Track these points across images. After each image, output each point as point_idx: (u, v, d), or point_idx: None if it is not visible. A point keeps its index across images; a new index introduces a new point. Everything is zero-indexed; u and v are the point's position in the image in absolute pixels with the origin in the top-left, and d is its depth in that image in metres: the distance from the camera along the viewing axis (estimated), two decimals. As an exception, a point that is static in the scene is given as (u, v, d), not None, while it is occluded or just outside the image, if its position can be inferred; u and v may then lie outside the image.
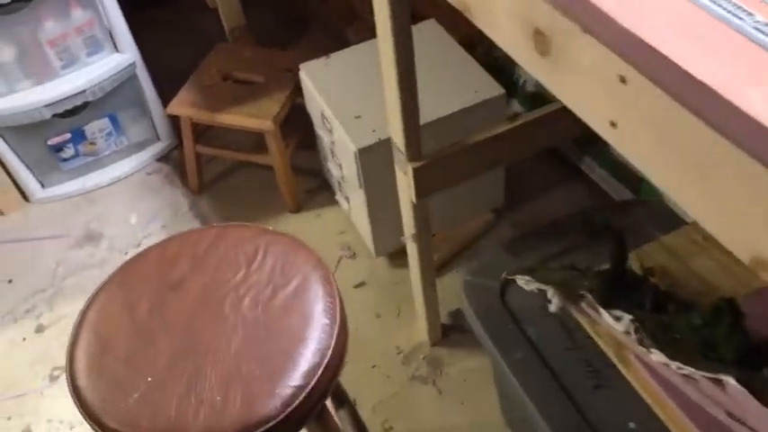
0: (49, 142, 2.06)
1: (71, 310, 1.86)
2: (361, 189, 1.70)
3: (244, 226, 0.96)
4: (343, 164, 1.77)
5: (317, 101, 1.77)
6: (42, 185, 2.16)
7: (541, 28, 0.64)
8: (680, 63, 0.49)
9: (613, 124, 0.60)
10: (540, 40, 0.65)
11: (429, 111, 1.59)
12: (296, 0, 2.70)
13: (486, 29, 0.75)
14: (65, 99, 1.96)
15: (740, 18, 0.52)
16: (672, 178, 0.56)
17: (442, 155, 1.29)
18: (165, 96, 2.15)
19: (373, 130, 1.63)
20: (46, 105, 1.95)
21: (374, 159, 1.62)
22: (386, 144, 1.52)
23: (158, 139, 2.25)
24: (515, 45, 0.70)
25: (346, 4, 2.53)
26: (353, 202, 1.85)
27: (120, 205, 2.13)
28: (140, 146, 2.23)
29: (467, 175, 1.37)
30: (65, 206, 2.15)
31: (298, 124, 1.96)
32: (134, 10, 2.08)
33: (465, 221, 1.88)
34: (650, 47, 0.51)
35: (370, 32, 2.42)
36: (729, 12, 0.52)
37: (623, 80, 0.56)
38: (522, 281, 1.09)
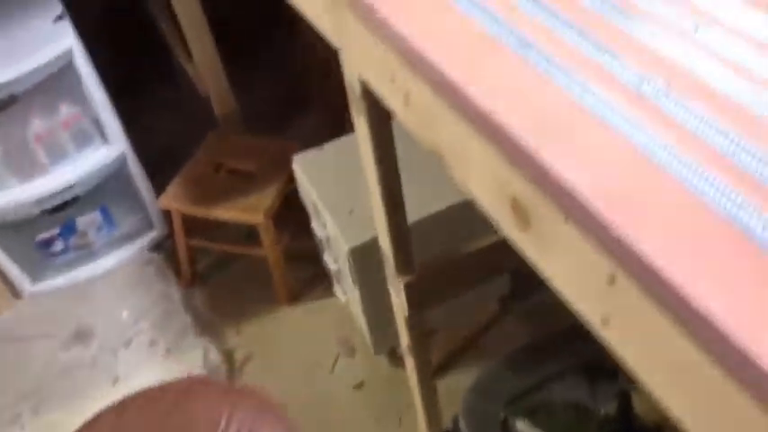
0: (38, 238, 2.00)
1: (58, 417, 1.77)
2: (356, 286, 1.61)
3: (209, 384, 0.88)
4: (338, 259, 1.69)
5: (310, 194, 1.70)
6: (32, 281, 2.09)
7: (519, 199, 0.56)
8: (676, 283, 0.40)
9: (605, 321, 0.51)
10: (520, 212, 0.57)
11: (423, 204, 1.51)
12: (295, 78, 2.66)
13: (462, 183, 0.67)
14: (54, 195, 1.91)
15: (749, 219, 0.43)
16: (665, 395, 0.47)
17: (436, 266, 1.21)
18: (158, 182, 2.10)
19: (367, 226, 1.55)
20: (34, 202, 1.89)
21: (369, 257, 1.54)
22: (379, 244, 1.44)
23: (151, 227, 2.18)
24: (493, 209, 0.62)
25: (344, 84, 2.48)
26: (351, 295, 1.76)
27: (112, 299, 2.05)
28: (132, 236, 2.16)
29: (465, 287, 1.28)
30: (55, 301, 2.08)
31: (293, 210, 1.89)
32: (123, 95, 2.04)
33: (469, 318, 1.78)
34: (640, 257, 0.43)
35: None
36: (738, 208, 0.44)
37: (612, 280, 0.47)
38: (523, 425, 0.99)
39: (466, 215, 1.55)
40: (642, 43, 0.59)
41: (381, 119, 1.01)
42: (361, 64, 0.90)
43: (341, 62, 0.99)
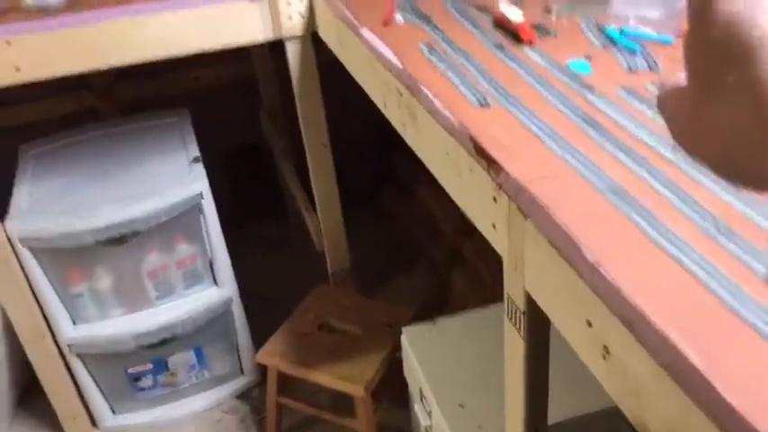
0: (129, 371, 1.95)
1: None
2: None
3: None
4: (439, 451, 1.55)
5: (416, 374, 1.59)
6: (113, 412, 2.03)
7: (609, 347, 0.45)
8: None
9: None
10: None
11: (564, 406, 1.38)
12: (402, 234, 2.63)
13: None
14: (155, 331, 1.87)
15: None
16: None
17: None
18: (255, 329, 2.05)
19: (480, 426, 1.42)
20: (134, 336, 1.86)
21: (477, 460, 1.40)
22: (495, 452, 1.31)
23: (242, 373, 2.11)
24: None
25: (453, 246, 2.43)
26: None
27: (191, 445, 1.96)
28: (221, 379, 2.09)
29: None
30: (132, 438, 2.00)
31: (394, 381, 1.78)
32: (232, 225, 2.02)
33: None
34: None
35: (477, 280, 2.31)
36: None
37: None
38: None
39: (612, 425, 1.41)
40: None
41: (541, 329, 0.92)
42: (539, 285, 0.82)
43: (504, 276, 0.91)
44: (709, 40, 0.33)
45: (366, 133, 2.66)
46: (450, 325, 1.69)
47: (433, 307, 2.22)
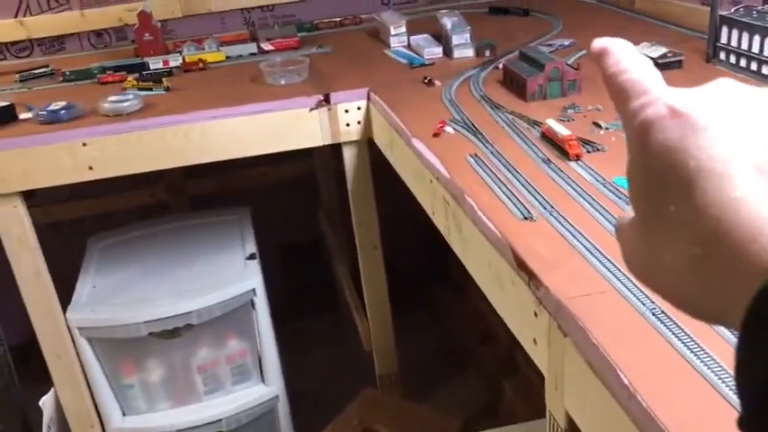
0: (174, 466, 1.94)
1: None
2: None
3: None
4: None
5: (461, 487, 1.53)
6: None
7: None
8: None
9: None
10: None
11: None
12: (453, 339, 2.60)
13: None
14: (201, 426, 1.87)
15: None
16: None
17: None
18: (300, 428, 2.02)
19: None
20: (179, 430, 1.86)
21: None
22: None
23: (284, 473, 2.07)
24: None
25: (507, 352, 2.38)
26: None
27: None
28: (264, 480, 2.05)
29: None
30: None
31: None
32: (279, 317, 2.03)
33: None
34: None
35: (529, 390, 2.24)
36: None
37: None
38: None
39: None
40: None
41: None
42: (578, 405, 0.80)
43: (545, 393, 0.89)
44: (648, 170, 0.32)
45: (421, 232, 2.68)
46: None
47: (481, 416, 2.16)
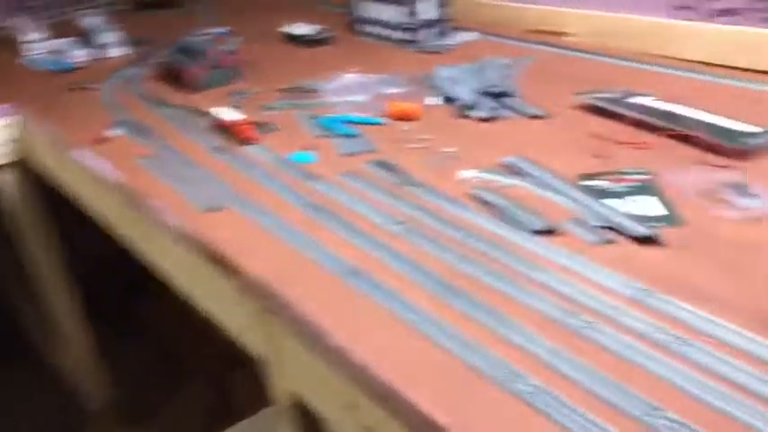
0: None
1: None
2: None
3: None
4: None
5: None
6: None
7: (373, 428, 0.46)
8: None
9: None
10: None
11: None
12: (167, 348, 2.48)
13: None
14: None
15: None
16: None
17: None
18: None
19: None
20: None
21: None
22: None
23: None
24: None
25: (227, 346, 2.34)
26: None
27: None
28: None
29: None
30: None
31: None
32: None
33: None
34: None
35: (258, 381, 2.23)
36: None
37: None
38: None
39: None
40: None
41: (312, 424, 0.90)
42: (302, 380, 0.81)
43: (268, 378, 0.89)
44: None
45: (110, 248, 2.50)
46: (234, 435, 1.61)
47: (217, 418, 2.10)
